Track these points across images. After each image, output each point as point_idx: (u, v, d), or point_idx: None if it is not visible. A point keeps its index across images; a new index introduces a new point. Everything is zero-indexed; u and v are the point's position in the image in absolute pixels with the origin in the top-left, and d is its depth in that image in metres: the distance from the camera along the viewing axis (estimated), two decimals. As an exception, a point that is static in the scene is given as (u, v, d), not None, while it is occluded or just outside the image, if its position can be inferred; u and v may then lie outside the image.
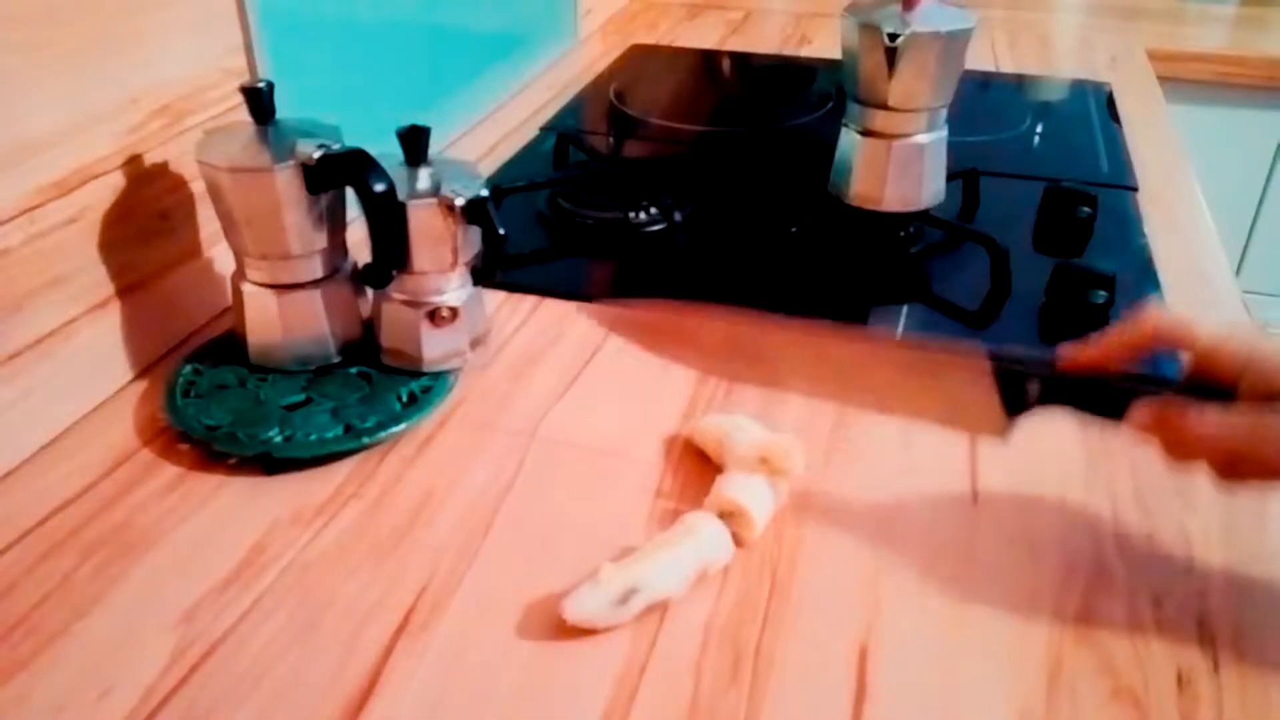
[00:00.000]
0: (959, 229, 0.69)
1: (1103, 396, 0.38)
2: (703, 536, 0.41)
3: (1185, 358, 0.37)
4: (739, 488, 0.43)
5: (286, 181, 0.48)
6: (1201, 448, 0.36)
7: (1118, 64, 1.07)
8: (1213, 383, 0.36)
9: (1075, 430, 0.50)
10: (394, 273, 0.51)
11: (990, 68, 1.06)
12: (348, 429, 0.48)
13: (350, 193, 0.49)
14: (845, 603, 0.40)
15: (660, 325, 0.44)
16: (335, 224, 0.51)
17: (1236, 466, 0.36)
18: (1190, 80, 1.12)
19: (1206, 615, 0.40)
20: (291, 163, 0.47)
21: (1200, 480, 0.47)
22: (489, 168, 0.80)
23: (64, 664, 0.37)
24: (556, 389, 0.53)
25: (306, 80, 0.62)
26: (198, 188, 0.55)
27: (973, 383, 0.39)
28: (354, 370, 0.53)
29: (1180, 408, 0.36)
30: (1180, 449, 0.36)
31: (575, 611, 0.38)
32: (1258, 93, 1.13)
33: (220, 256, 0.58)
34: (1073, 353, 0.38)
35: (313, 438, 0.47)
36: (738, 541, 0.42)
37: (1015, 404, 0.39)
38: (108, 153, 0.50)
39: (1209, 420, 0.35)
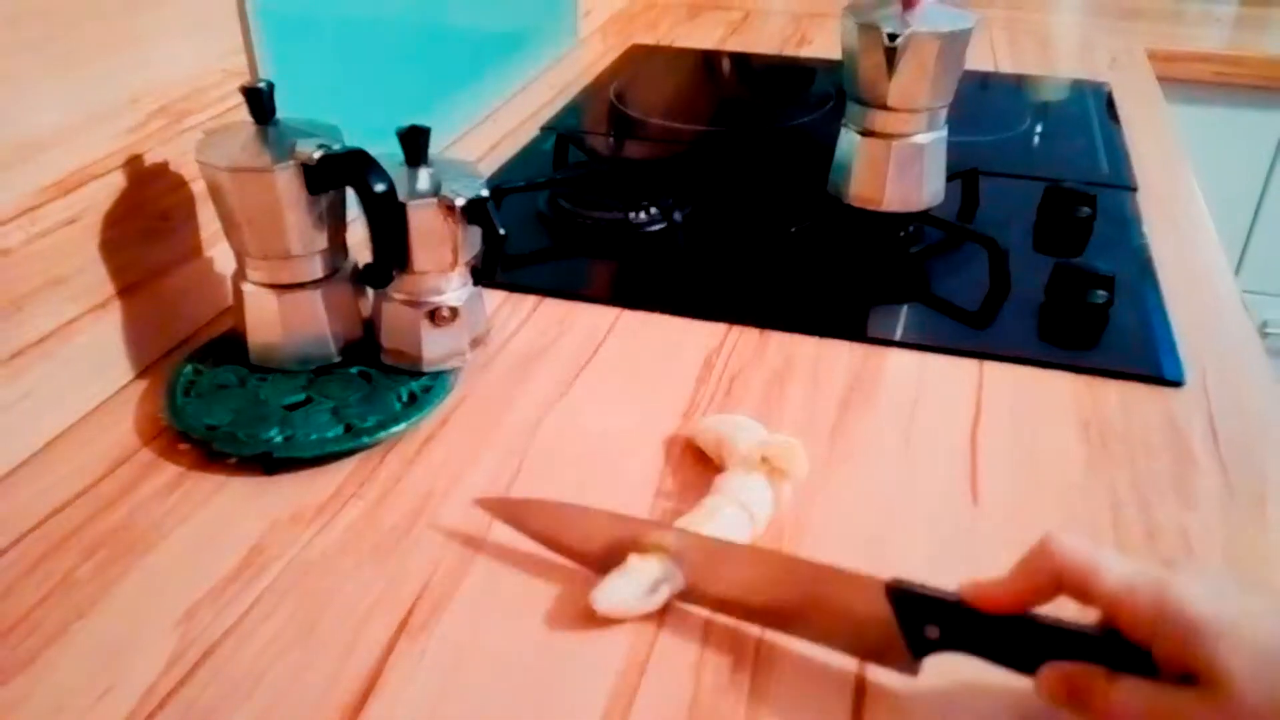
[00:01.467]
0: (959, 229, 0.69)
1: (1011, 643, 0.33)
2: (723, 520, 0.41)
3: (1091, 605, 0.32)
4: (739, 486, 0.43)
5: (287, 181, 0.48)
6: None
7: (1118, 64, 1.07)
8: (1125, 636, 0.31)
9: (1075, 430, 0.50)
10: (394, 273, 0.51)
11: (990, 68, 1.06)
12: (348, 429, 0.48)
13: (351, 193, 0.49)
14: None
15: None
16: (335, 224, 0.51)
17: None
18: (1190, 80, 1.12)
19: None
20: (292, 163, 0.47)
21: (1200, 480, 0.47)
22: (489, 168, 0.80)
23: (64, 664, 0.37)
24: (557, 389, 0.53)
25: (307, 80, 0.62)
26: (198, 188, 0.55)
27: (877, 616, 0.35)
28: (354, 370, 0.53)
29: (1091, 679, 0.31)
30: None
31: (606, 601, 0.38)
32: (1257, 93, 1.13)
33: (220, 256, 0.58)
34: (975, 591, 0.33)
35: (313, 438, 0.47)
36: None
37: (917, 644, 0.35)
38: (108, 153, 0.50)
39: (1118, 700, 0.31)
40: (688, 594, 0.39)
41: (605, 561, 0.40)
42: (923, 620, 0.34)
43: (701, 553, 0.38)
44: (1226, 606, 0.29)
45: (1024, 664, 0.33)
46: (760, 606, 0.38)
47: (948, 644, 0.34)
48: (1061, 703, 0.32)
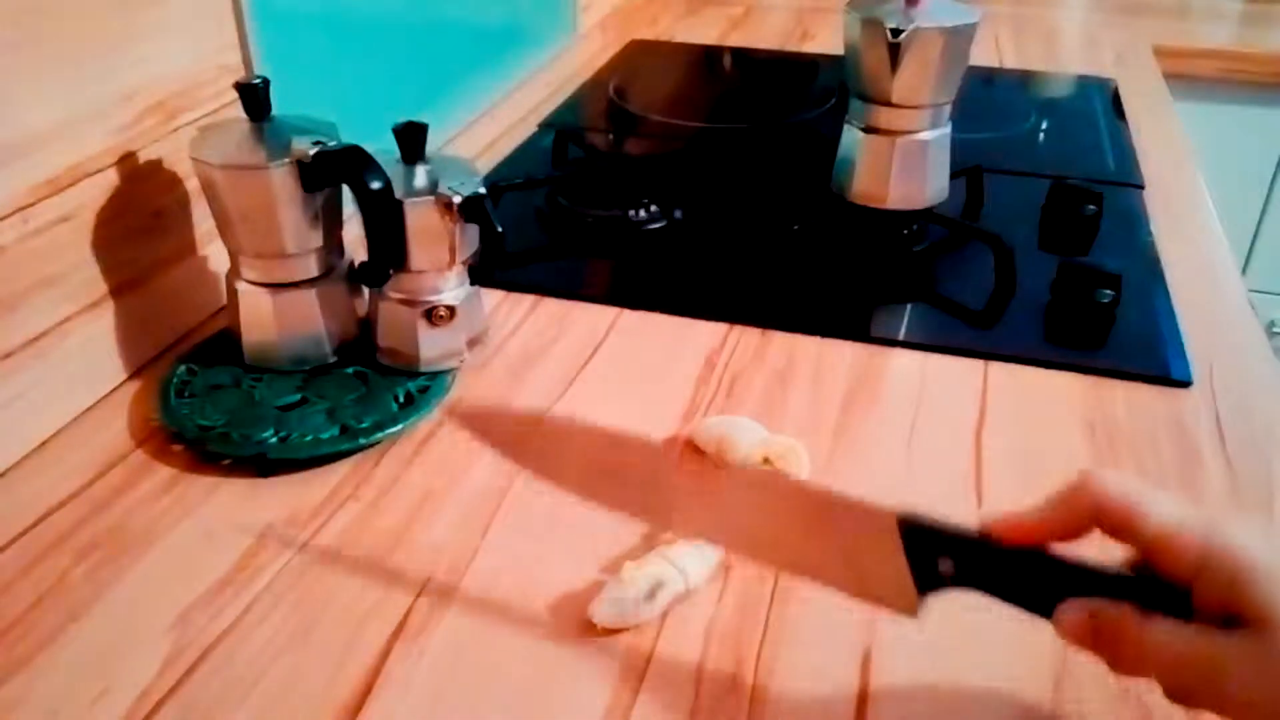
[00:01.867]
0: (963, 227, 0.68)
1: (1030, 582, 0.31)
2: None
3: (1130, 543, 0.30)
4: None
5: (282, 179, 0.47)
6: (1147, 668, 0.29)
7: (1123, 60, 1.07)
8: (1163, 578, 0.29)
9: (1081, 431, 0.50)
10: (391, 271, 0.50)
11: (994, 64, 1.06)
12: (344, 430, 0.48)
13: (347, 190, 0.49)
14: (848, 607, 0.40)
15: None
16: (331, 222, 0.51)
17: (1192, 695, 0.29)
18: (1197, 77, 1.11)
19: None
20: (287, 160, 0.47)
21: (1207, 480, 0.46)
22: (487, 165, 0.79)
23: (59, 666, 0.37)
24: (555, 389, 0.53)
25: (302, 76, 0.62)
26: (192, 186, 0.54)
27: (883, 549, 0.32)
28: (350, 370, 0.52)
29: (1119, 618, 0.29)
30: (1122, 665, 0.30)
31: (604, 613, 0.38)
32: (1264, 89, 1.12)
33: (215, 255, 0.57)
34: (1000, 523, 0.31)
35: (308, 439, 0.47)
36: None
37: (927, 580, 0.32)
38: (101, 150, 0.49)
39: (1152, 641, 0.28)
40: (680, 526, 0.36)
41: (593, 487, 0.36)
42: (935, 554, 0.32)
43: (692, 479, 0.35)
44: (1279, 552, 0.28)
45: (1042, 605, 0.30)
46: (757, 534, 0.35)
47: (960, 580, 0.32)
48: (1084, 643, 0.30)
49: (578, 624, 0.39)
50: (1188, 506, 0.29)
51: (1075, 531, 0.31)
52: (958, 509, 0.45)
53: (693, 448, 0.48)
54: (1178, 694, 0.29)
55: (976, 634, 0.39)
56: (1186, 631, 0.28)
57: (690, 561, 0.39)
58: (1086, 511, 0.30)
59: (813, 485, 0.35)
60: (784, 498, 0.35)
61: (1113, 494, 0.30)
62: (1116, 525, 0.30)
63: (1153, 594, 0.29)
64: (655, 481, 0.36)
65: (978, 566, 0.32)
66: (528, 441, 0.38)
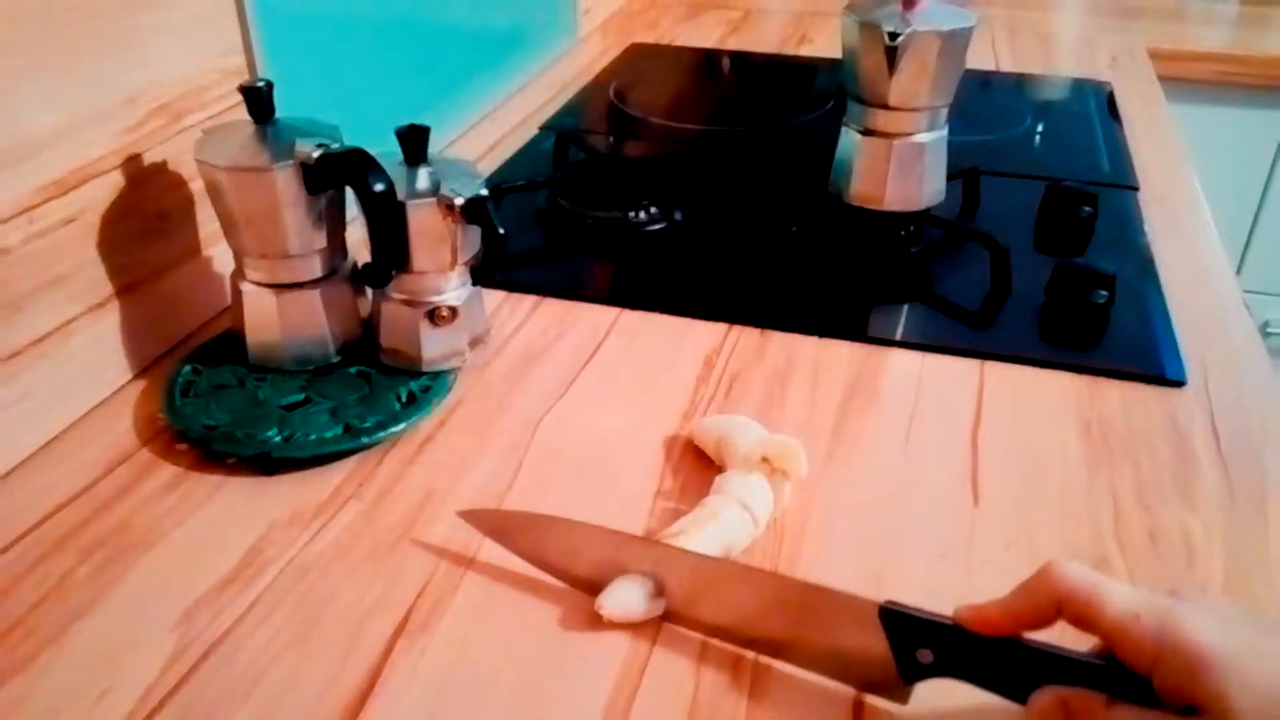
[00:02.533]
0: (959, 228, 0.69)
1: (1005, 669, 0.32)
2: (725, 521, 0.41)
3: (1092, 632, 0.31)
4: (740, 486, 0.43)
5: (285, 181, 0.48)
6: None
7: (1119, 63, 1.07)
8: (1125, 665, 0.30)
9: (1077, 430, 0.50)
10: (393, 272, 0.51)
11: (991, 67, 1.06)
12: (347, 429, 0.48)
13: (350, 192, 0.49)
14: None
15: None
16: (334, 223, 0.51)
17: None
18: (1191, 80, 1.12)
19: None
20: (291, 162, 0.47)
21: (1202, 480, 0.47)
22: (488, 167, 0.79)
23: (62, 665, 0.37)
24: (556, 389, 0.53)
25: (306, 79, 0.62)
26: (196, 187, 0.54)
27: (867, 639, 0.34)
28: (353, 370, 0.52)
29: (1087, 705, 0.30)
30: None
31: (611, 608, 0.38)
32: (1259, 92, 1.12)
33: (219, 256, 0.58)
34: (971, 613, 0.32)
35: (312, 438, 0.47)
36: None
37: (908, 669, 0.34)
38: (106, 152, 0.50)
39: None
40: (674, 616, 0.38)
41: (593, 582, 0.39)
42: (915, 644, 0.33)
43: (688, 573, 0.38)
44: (1235, 639, 0.28)
45: (1018, 691, 0.32)
46: (749, 630, 0.37)
47: (941, 669, 0.33)
48: None
49: (579, 623, 0.39)
50: (1145, 595, 0.30)
51: (1042, 620, 0.32)
52: (954, 508, 0.45)
53: (692, 447, 0.48)
54: None
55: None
56: (1149, 718, 0.29)
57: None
58: (1050, 601, 0.31)
59: (793, 578, 0.37)
60: (773, 591, 0.36)
61: (1073, 583, 0.31)
62: (1078, 615, 0.31)
63: (1120, 681, 0.30)
64: (654, 573, 0.38)
65: (956, 655, 0.33)
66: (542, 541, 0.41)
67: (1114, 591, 0.30)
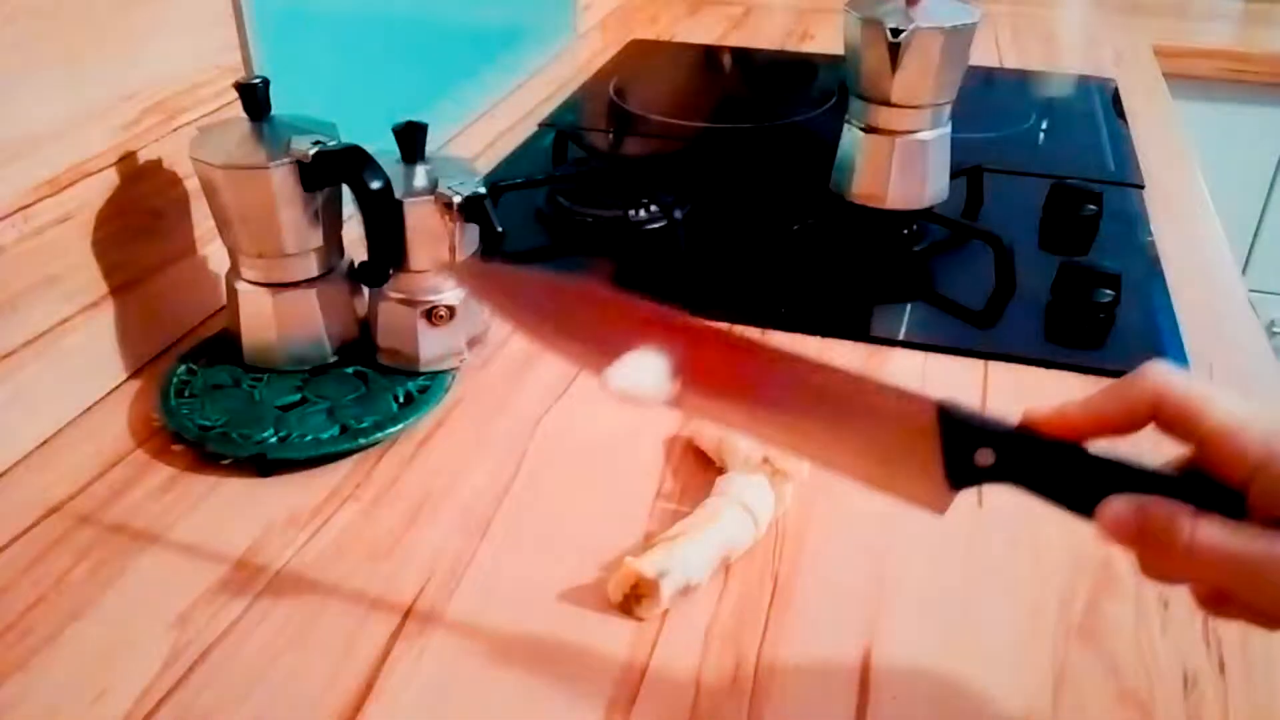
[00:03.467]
0: (963, 227, 0.68)
1: (1072, 477, 0.29)
2: (725, 522, 0.41)
3: (1187, 439, 0.29)
4: (742, 487, 0.42)
5: (282, 179, 0.47)
6: (1187, 570, 0.28)
7: (1123, 60, 1.07)
8: (1217, 478, 0.28)
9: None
10: (390, 271, 0.50)
11: (994, 63, 1.06)
12: (344, 429, 0.48)
13: (347, 190, 0.49)
14: (848, 606, 0.40)
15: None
16: (331, 222, 0.51)
17: (1226, 602, 0.29)
18: (1197, 77, 1.11)
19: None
20: (287, 160, 0.47)
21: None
22: (487, 165, 0.79)
23: (59, 666, 0.37)
24: (555, 389, 0.53)
25: (302, 76, 0.62)
26: (192, 185, 0.54)
27: (915, 438, 0.30)
28: (350, 370, 0.52)
29: (1170, 514, 0.27)
30: (1160, 566, 0.28)
31: (619, 383, 0.33)
32: (1265, 89, 1.12)
33: (215, 255, 0.57)
34: (1045, 413, 0.30)
35: (308, 438, 0.47)
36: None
37: (960, 473, 0.30)
38: (101, 150, 0.49)
39: (1203, 538, 0.27)
40: (690, 401, 0.32)
41: (599, 356, 0.32)
42: (973, 445, 0.30)
43: (714, 351, 0.32)
44: None
45: (1084, 502, 0.29)
46: (777, 421, 0.32)
47: (998, 474, 0.30)
48: (1129, 539, 0.28)
49: (578, 624, 0.39)
50: (1253, 405, 0.28)
51: (1128, 424, 0.29)
52: (957, 508, 0.45)
53: (693, 448, 0.48)
54: (1213, 600, 0.29)
55: (977, 634, 0.39)
56: (1242, 531, 0.27)
57: (692, 556, 0.39)
58: (1144, 403, 0.29)
59: (844, 369, 0.32)
60: (812, 378, 0.32)
61: (1175, 385, 0.28)
62: (1174, 418, 0.28)
63: (1203, 494, 0.28)
64: (674, 354, 0.33)
65: (1019, 460, 0.30)
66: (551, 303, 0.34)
67: (1220, 396, 0.28)
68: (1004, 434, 0.30)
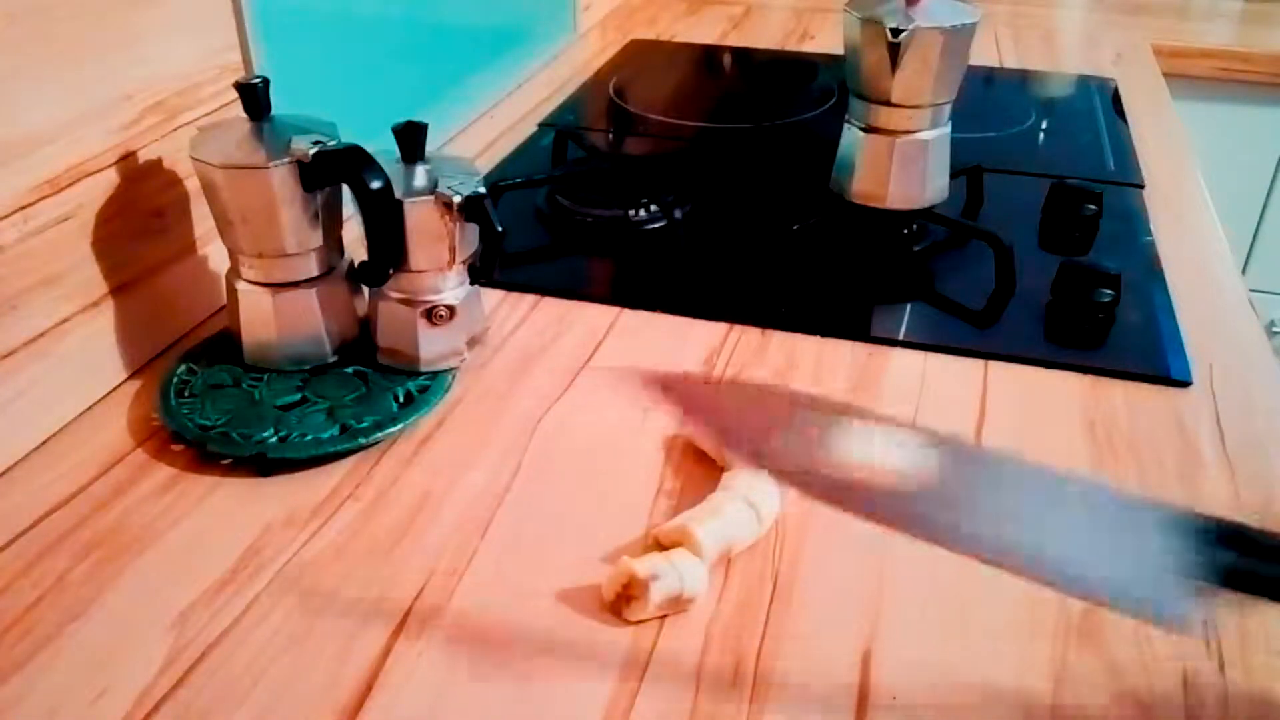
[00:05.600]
0: (963, 227, 0.68)
1: None
2: (728, 516, 0.41)
3: None
4: (747, 484, 0.42)
5: (282, 179, 0.47)
6: None
7: (1123, 60, 1.07)
8: None
9: (1081, 430, 0.50)
10: (390, 271, 0.50)
11: (994, 63, 1.06)
12: (344, 429, 0.47)
13: (346, 190, 0.49)
14: (848, 606, 0.40)
15: None
16: (331, 222, 0.51)
17: None
18: (1197, 76, 1.11)
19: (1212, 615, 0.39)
20: (287, 160, 0.47)
21: (1207, 480, 0.46)
22: (487, 164, 0.79)
23: (59, 666, 0.37)
24: (555, 388, 0.53)
25: (302, 76, 0.62)
26: (192, 185, 0.54)
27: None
28: (350, 370, 0.52)
29: None
30: None
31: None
32: (1265, 89, 1.12)
33: (215, 255, 0.57)
34: None
35: (308, 438, 0.47)
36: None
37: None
38: (101, 150, 0.49)
39: None
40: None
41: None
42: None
43: None
44: None
45: None
46: None
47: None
48: None
49: (578, 625, 0.39)
50: None
51: None
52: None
53: (693, 447, 0.48)
54: None
55: (977, 634, 0.39)
56: None
57: (687, 566, 0.39)
58: None
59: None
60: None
61: None
62: None
63: None
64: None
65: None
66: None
67: None
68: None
